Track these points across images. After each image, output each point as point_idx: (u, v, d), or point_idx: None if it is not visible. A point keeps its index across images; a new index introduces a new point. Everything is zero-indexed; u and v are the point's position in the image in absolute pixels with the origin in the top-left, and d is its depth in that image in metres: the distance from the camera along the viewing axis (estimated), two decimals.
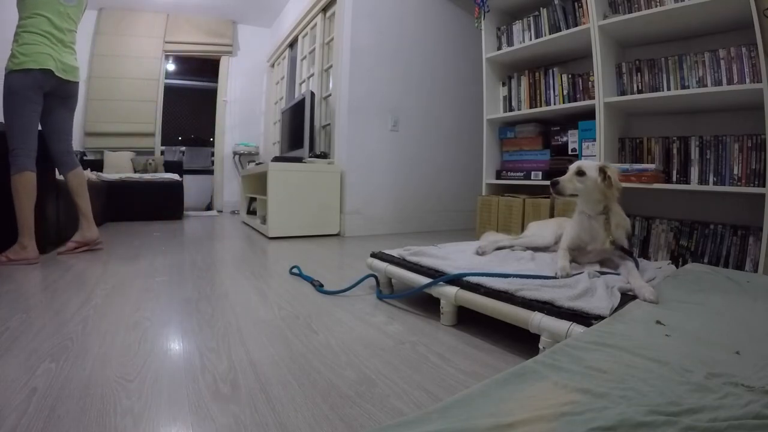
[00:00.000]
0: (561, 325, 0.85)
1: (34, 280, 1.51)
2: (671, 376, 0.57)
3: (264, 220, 3.03)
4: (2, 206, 1.92)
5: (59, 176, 2.18)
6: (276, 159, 2.96)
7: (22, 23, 1.86)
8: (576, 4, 2.10)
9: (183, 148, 5.52)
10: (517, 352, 0.95)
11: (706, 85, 1.70)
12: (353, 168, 3.04)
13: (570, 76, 2.18)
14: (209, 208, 5.33)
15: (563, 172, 2.12)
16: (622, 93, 1.97)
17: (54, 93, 1.96)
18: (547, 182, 2.18)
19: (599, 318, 0.83)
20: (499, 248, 1.55)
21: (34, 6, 1.86)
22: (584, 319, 0.84)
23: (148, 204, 3.86)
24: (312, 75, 3.77)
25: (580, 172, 1.18)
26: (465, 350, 0.97)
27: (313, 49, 3.75)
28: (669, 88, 1.82)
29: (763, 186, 1.52)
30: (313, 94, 3.17)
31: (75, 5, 2.02)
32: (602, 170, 1.17)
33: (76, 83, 2.06)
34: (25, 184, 1.84)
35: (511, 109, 2.48)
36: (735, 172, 1.66)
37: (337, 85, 3.13)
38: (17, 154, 1.84)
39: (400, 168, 3.28)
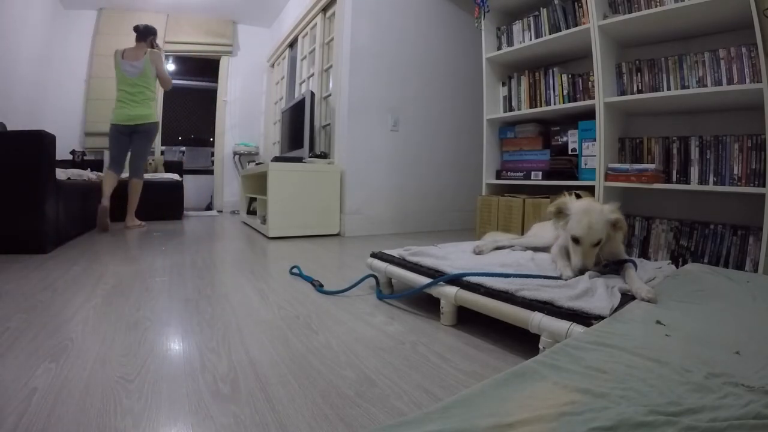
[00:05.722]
0: (561, 325, 0.85)
1: (34, 280, 1.51)
2: (671, 376, 0.57)
3: (264, 220, 3.03)
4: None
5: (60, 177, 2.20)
6: (276, 159, 2.96)
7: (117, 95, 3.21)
8: (576, 4, 2.10)
9: (183, 148, 5.53)
10: (517, 352, 0.95)
11: (706, 85, 1.70)
12: (353, 168, 3.04)
13: (570, 76, 2.18)
14: (209, 208, 5.33)
15: (563, 171, 2.17)
16: (622, 93, 1.97)
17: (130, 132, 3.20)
18: (547, 182, 2.20)
19: (599, 318, 0.83)
20: (498, 248, 1.55)
21: (118, 83, 3.20)
22: (584, 319, 0.84)
23: (148, 204, 3.83)
24: (312, 75, 3.77)
25: (598, 243, 1.12)
26: (465, 350, 0.97)
27: (313, 49, 3.75)
28: (669, 88, 1.82)
29: (763, 186, 1.52)
30: (313, 94, 3.17)
31: (137, 77, 3.16)
32: (614, 225, 1.12)
33: (143, 124, 3.19)
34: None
35: (511, 109, 2.48)
36: (735, 172, 1.66)
37: (337, 85, 3.13)
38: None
39: (400, 168, 3.28)
